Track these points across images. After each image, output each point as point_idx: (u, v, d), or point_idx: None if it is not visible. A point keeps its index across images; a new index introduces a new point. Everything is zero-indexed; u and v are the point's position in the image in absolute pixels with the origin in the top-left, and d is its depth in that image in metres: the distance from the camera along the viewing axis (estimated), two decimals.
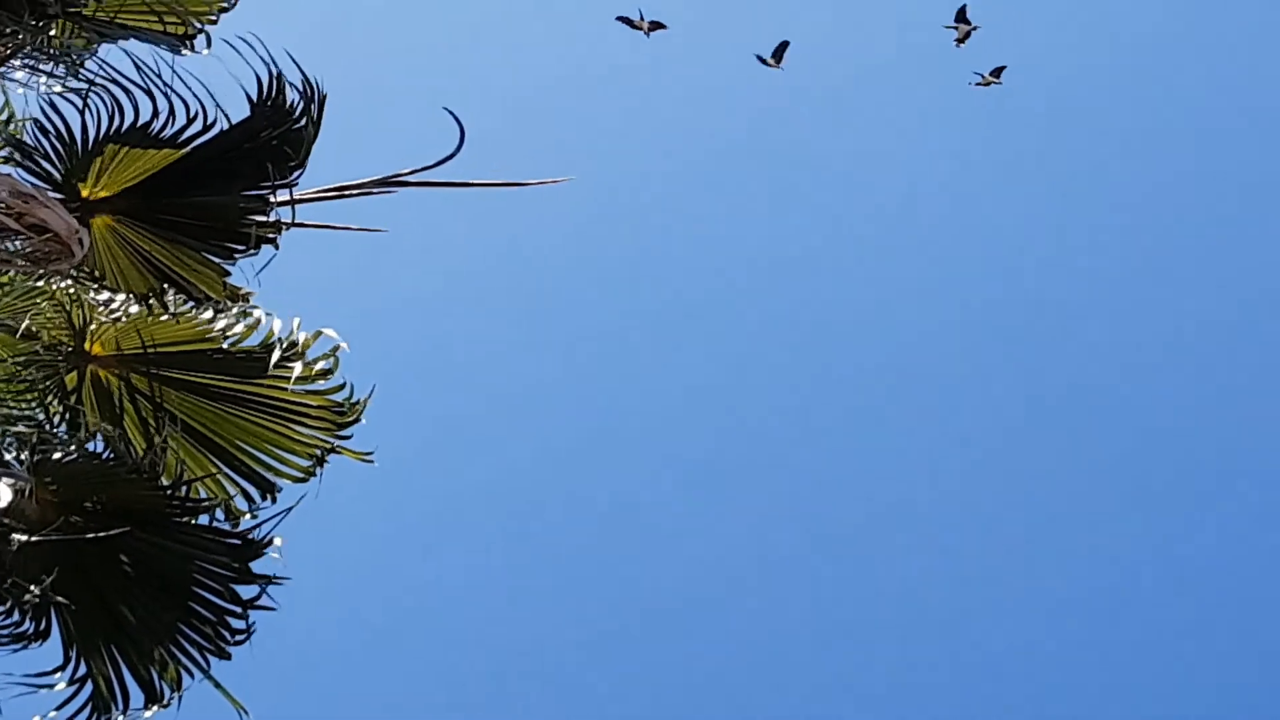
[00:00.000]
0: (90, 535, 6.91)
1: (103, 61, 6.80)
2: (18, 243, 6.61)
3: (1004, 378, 15.89)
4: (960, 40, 7.27)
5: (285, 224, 6.80)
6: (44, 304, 7.19)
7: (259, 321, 7.30)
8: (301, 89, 6.57)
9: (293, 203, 6.74)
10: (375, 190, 6.96)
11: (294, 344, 7.31)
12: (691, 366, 14.61)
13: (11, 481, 6.61)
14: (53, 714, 6.95)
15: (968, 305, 15.89)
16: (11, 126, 7.12)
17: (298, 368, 7.35)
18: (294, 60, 6.58)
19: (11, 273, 6.91)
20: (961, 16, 7.23)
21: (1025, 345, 16.10)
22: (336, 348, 7.35)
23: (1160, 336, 15.95)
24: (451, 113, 6.80)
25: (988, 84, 7.23)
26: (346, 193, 6.97)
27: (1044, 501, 15.52)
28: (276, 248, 6.87)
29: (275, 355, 7.30)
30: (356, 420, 7.45)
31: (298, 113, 6.63)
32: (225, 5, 7.14)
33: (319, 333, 7.32)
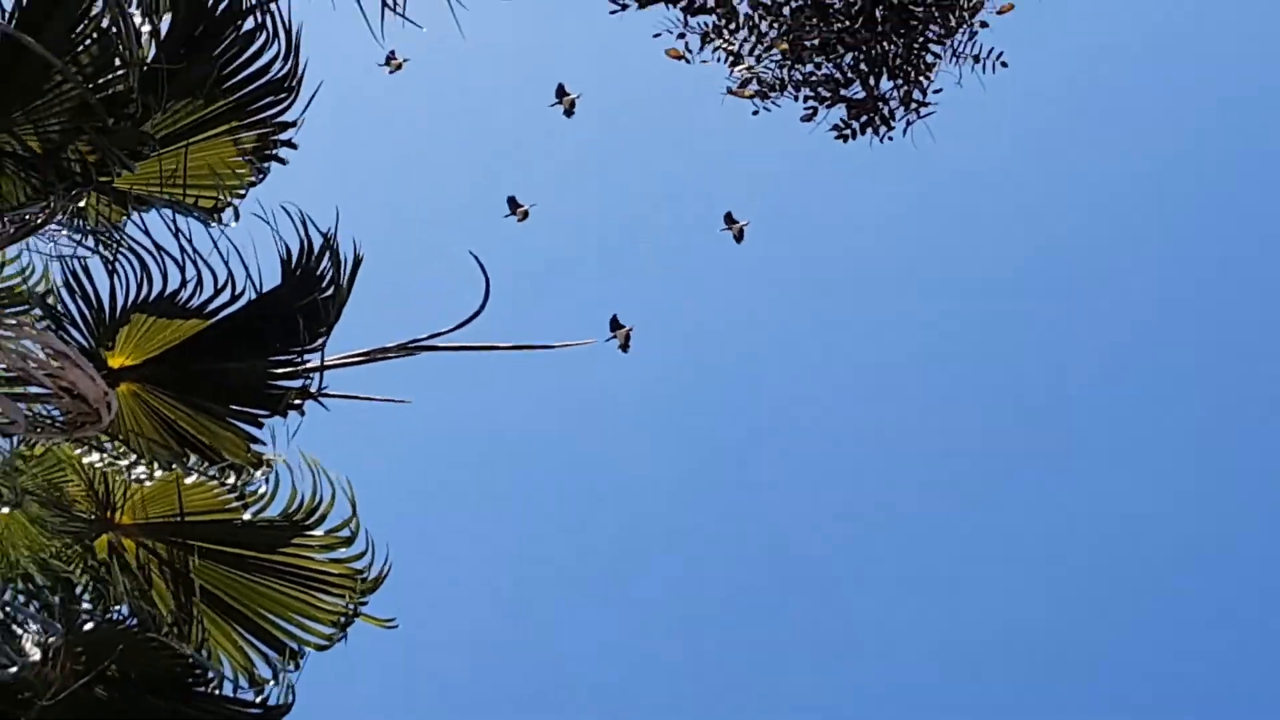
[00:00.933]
0: (111, 700, 6.96)
1: (136, 227, 6.96)
2: (50, 408, 6.70)
3: None
4: (738, 238, 7.35)
5: (311, 393, 6.89)
6: (70, 473, 7.28)
7: (278, 489, 7.38)
8: (330, 256, 6.70)
9: (321, 369, 6.84)
10: (398, 355, 7.06)
11: (314, 510, 7.37)
12: (726, 518, 14.60)
13: (44, 640, 6.67)
14: None
15: None
16: (41, 290, 7.24)
17: (319, 534, 7.42)
18: (319, 230, 6.71)
19: (42, 441, 7.00)
20: (730, 217, 7.29)
21: None
22: (354, 515, 7.41)
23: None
24: (477, 259, 6.92)
25: (735, 230, 7.29)
26: (371, 358, 7.07)
27: None
28: (302, 414, 6.97)
29: (297, 522, 7.37)
30: (377, 587, 7.49)
31: (326, 280, 6.76)
32: (254, 180, 7.29)
33: (335, 498, 7.38)
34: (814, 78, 10.05)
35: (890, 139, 10.20)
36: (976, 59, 10.04)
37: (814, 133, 10.05)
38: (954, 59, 9.97)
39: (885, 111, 10.11)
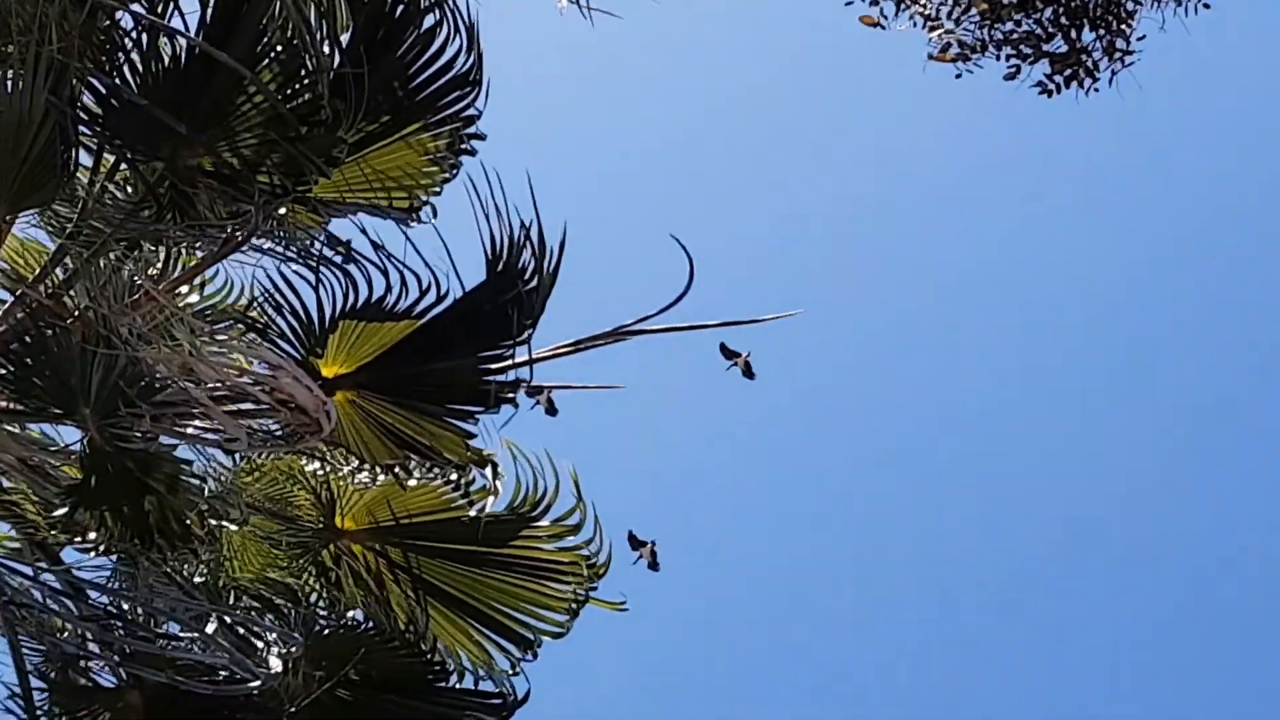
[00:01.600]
0: (354, 702, 7.04)
1: (335, 236, 7.00)
2: (268, 422, 6.76)
3: None
4: (746, 371, 7.12)
5: (523, 383, 6.88)
6: (293, 485, 7.35)
7: (500, 485, 7.39)
8: (533, 246, 6.69)
9: (531, 363, 6.83)
10: (602, 342, 7.04)
11: (540, 501, 7.39)
12: (932, 489, 14.43)
13: (281, 650, 6.75)
14: None
15: None
16: (249, 300, 7.31)
17: (546, 524, 7.43)
18: (522, 218, 6.70)
19: (266, 455, 7.08)
20: (727, 350, 7.08)
21: None
22: (580, 502, 7.41)
23: None
24: (680, 243, 6.87)
25: (741, 364, 7.05)
26: (579, 348, 7.06)
27: None
28: (515, 406, 6.97)
29: (524, 514, 7.39)
30: (605, 572, 7.50)
31: (529, 272, 6.74)
32: (447, 176, 7.28)
33: (559, 487, 7.38)
34: (1014, 35, 9.86)
35: (1096, 90, 9.99)
36: (1178, 1, 9.80)
37: (1018, 90, 9.87)
38: (1155, 4, 9.73)
39: (1089, 64, 9.89)
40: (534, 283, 6.78)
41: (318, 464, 7.28)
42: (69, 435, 6.83)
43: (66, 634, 6.88)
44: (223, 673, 6.72)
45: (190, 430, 6.78)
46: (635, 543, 6.98)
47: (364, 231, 6.84)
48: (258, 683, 6.59)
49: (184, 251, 7.25)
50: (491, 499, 7.41)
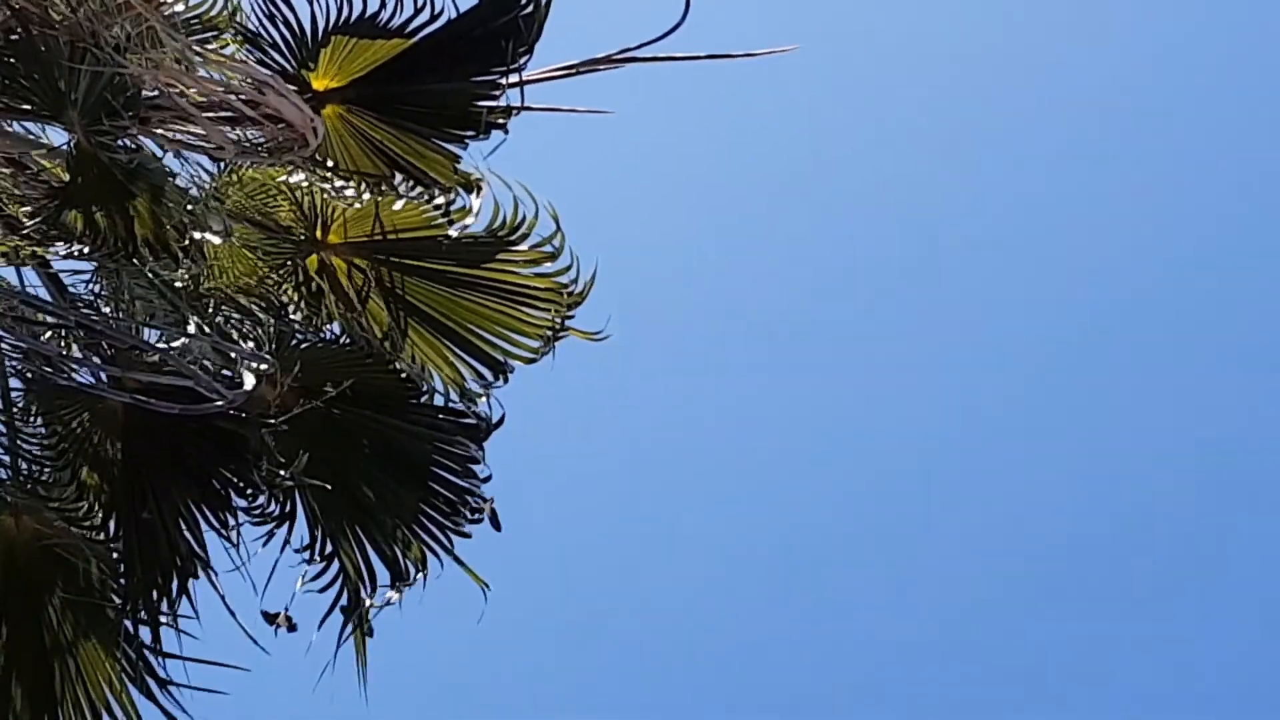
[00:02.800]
0: (331, 416, 7.12)
1: None
2: (255, 133, 6.75)
3: None
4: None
5: (515, 108, 6.88)
6: (278, 195, 7.33)
7: (482, 207, 7.40)
8: None
9: (521, 85, 6.82)
10: (599, 68, 7.02)
11: (518, 227, 7.41)
12: (919, 236, 14.30)
13: (255, 366, 6.78)
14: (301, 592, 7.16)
15: None
16: (238, 7, 7.23)
17: (524, 249, 7.46)
18: None
19: (247, 165, 7.06)
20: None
21: None
22: (558, 230, 7.43)
23: None
24: None
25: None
26: (571, 72, 7.03)
27: None
28: (506, 132, 6.97)
29: (502, 238, 7.42)
30: (581, 301, 7.54)
31: None
32: None
33: (538, 214, 7.39)
34: None
35: None
36: None
37: None
38: None
39: None
40: (530, 8, 6.75)
41: (302, 176, 7.25)
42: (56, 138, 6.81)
43: (48, 334, 6.91)
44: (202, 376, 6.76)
45: (176, 136, 6.78)
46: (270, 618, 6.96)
47: None
48: (223, 404, 6.61)
49: None
50: (471, 219, 7.42)
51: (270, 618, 6.87)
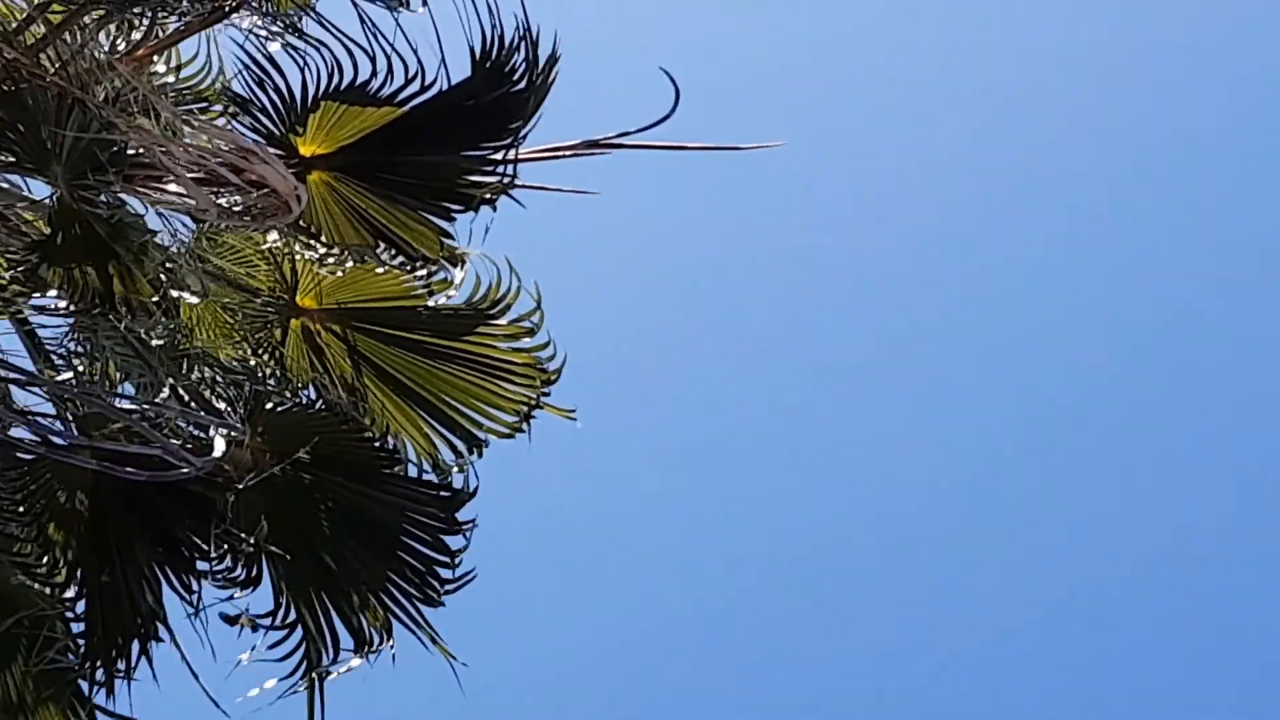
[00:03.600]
0: (302, 482, 7.08)
1: (320, 17, 6.89)
2: (239, 198, 6.72)
3: None
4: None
5: (505, 185, 6.87)
6: (257, 259, 7.31)
7: (464, 280, 7.39)
8: (525, 49, 6.63)
9: (515, 161, 6.81)
10: (591, 152, 7.02)
11: (499, 301, 7.40)
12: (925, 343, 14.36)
13: (225, 431, 6.74)
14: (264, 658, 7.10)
15: None
16: (227, 79, 7.24)
17: (503, 324, 7.45)
18: (516, 20, 6.63)
19: (229, 229, 7.04)
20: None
21: None
22: (538, 307, 7.42)
23: None
24: (668, 74, 6.83)
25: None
26: (558, 154, 7.03)
27: None
28: (494, 209, 6.96)
29: (482, 310, 7.41)
30: (557, 378, 7.53)
31: (519, 74, 6.69)
32: None
33: (519, 289, 7.38)
34: None
35: None
36: None
37: None
38: None
39: None
40: (523, 85, 6.74)
41: (281, 240, 7.23)
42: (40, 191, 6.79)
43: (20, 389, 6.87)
44: (171, 443, 6.72)
45: (159, 196, 6.76)
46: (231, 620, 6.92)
47: (356, 5, 6.76)
48: (190, 472, 6.56)
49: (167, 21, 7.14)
50: (453, 292, 7.41)
51: (231, 619, 6.82)
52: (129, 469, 6.54)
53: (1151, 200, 14.57)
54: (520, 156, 6.89)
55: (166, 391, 6.90)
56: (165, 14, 6.94)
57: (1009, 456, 14.48)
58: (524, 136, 6.85)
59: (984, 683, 14.15)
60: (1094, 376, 14.50)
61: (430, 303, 7.38)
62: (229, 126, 6.76)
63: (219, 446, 6.61)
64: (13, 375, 6.81)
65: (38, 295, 6.79)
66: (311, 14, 6.92)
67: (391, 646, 7.16)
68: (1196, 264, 14.57)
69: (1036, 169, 14.26)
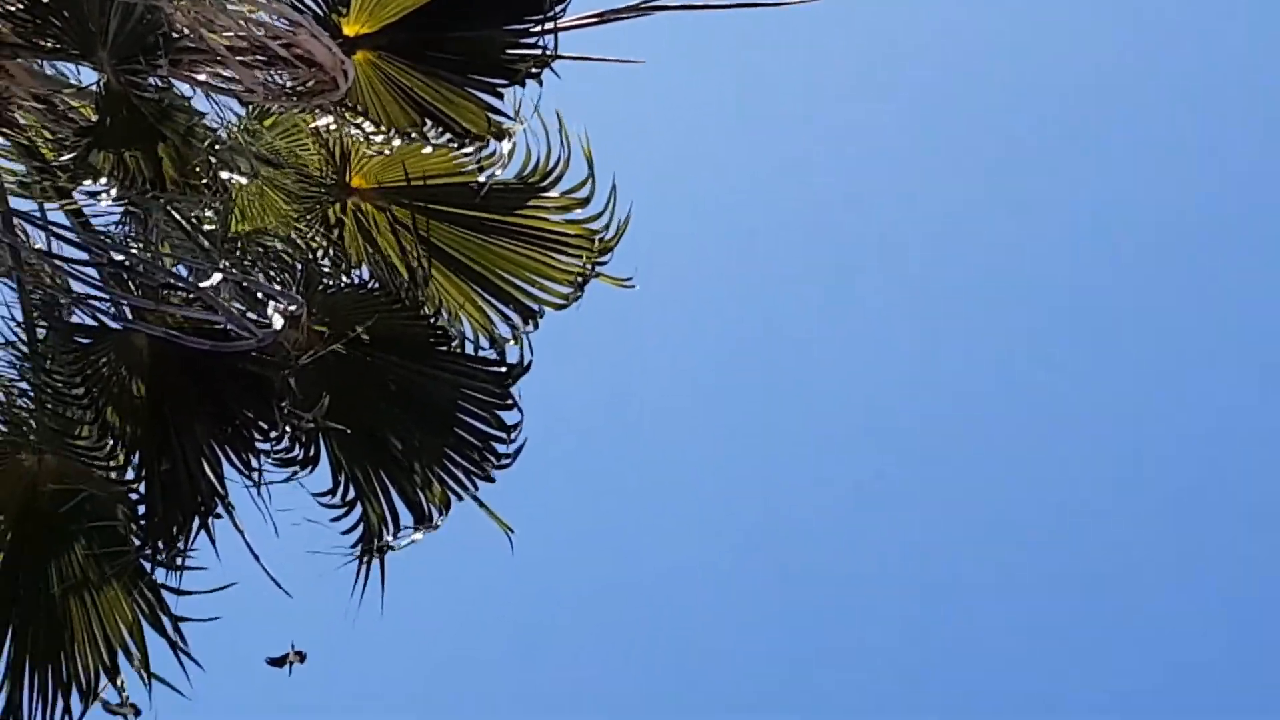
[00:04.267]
0: (358, 361, 7.13)
1: None
2: (284, 76, 6.73)
3: None
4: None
5: (548, 57, 6.85)
6: (308, 139, 7.33)
7: (513, 154, 7.38)
8: None
9: (555, 31, 6.79)
10: (630, 15, 6.97)
11: (550, 173, 7.39)
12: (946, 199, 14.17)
13: (283, 307, 6.78)
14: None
15: None
16: None
17: (555, 196, 7.45)
18: None
19: (277, 109, 7.05)
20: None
21: None
22: (590, 175, 7.41)
23: None
24: None
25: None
26: (604, 19, 6.99)
27: None
28: (540, 83, 6.94)
29: (533, 184, 7.40)
30: (613, 247, 7.53)
31: None
32: None
33: (569, 160, 7.37)
34: None
35: None
36: None
37: None
38: None
39: None
40: None
41: (331, 120, 7.24)
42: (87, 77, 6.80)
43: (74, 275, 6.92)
44: (234, 308, 6.79)
45: (206, 78, 6.76)
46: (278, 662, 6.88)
47: None
48: (253, 341, 6.62)
49: None
50: (501, 169, 7.41)
51: (278, 661, 6.88)
52: (193, 338, 6.61)
53: None
54: (562, 25, 6.87)
55: (219, 277, 6.93)
56: None
57: None
58: (565, 6, 6.82)
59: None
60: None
61: (480, 179, 7.37)
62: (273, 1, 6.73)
63: (277, 321, 6.66)
64: (68, 259, 6.86)
65: (88, 182, 6.82)
66: None
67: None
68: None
69: None
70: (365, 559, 7.19)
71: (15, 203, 6.91)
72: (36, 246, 6.87)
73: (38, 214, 6.87)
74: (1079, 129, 14.04)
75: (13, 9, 6.44)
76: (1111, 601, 13.73)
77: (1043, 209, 13.97)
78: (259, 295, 6.91)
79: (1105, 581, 13.70)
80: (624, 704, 12.93)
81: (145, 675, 6.81)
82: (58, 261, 6.82)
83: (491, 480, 7.31)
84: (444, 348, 7.39)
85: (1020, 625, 13.70)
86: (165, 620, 6.77)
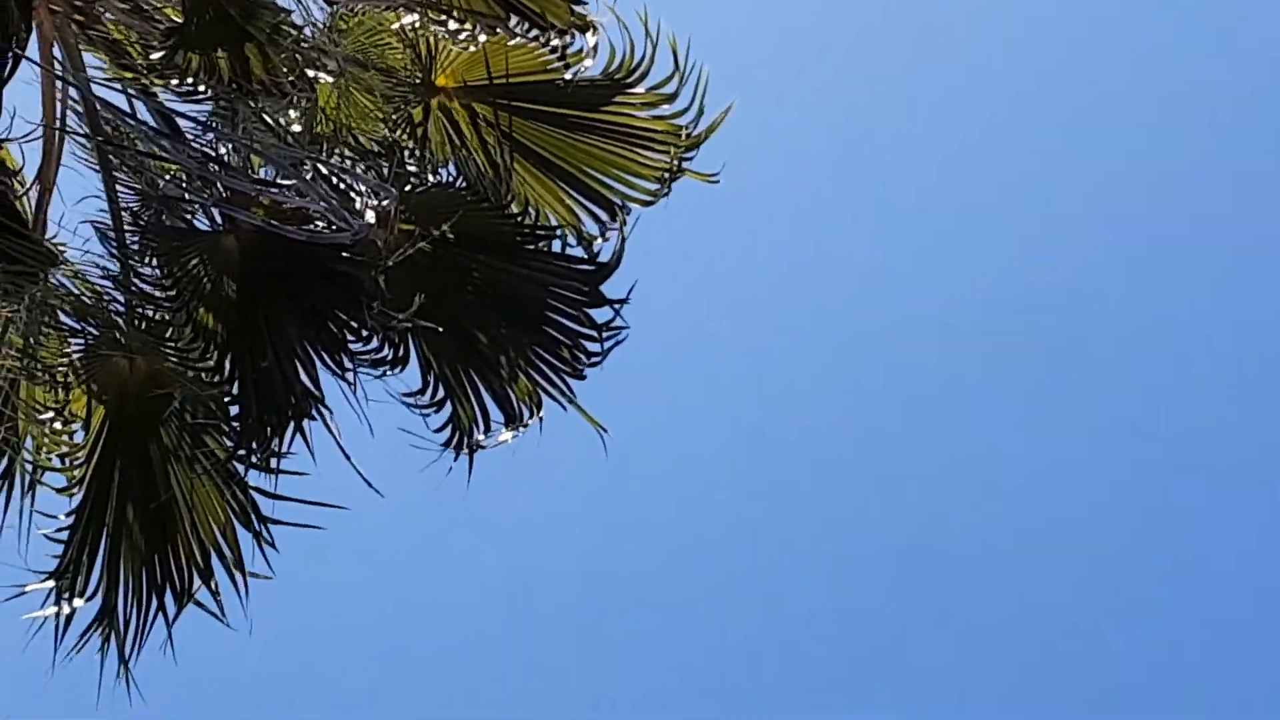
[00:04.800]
0: (446, 260, 7.12)
1: None
2: None
3: None
4: None
5: None
6: (392, 38, 7.29)
7: (598, 47, 7.34)
8: None
9: None
10: None
11: (635, 69, 7.34)
12: None
13: (376, 202, 6.79)
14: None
15: None
16: None
17: (641, 92, 7.40)
18: None
19: (362, 8, 7.02)
20: None
21: None
22: (676, 70, 7.36)
23: None
24: None
25: None
26: None
27: None
28: None
29: (619, 80, 7.36)
30: (700, 143, 7.48)
31: None
32: None
33: (655, 56, 7.32)
34: None
35: None
36: None
37: None
38: None
39: None
40: None
41: (415, 18, 7.20)
42: None
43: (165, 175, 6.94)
44: (318, 223, 6.78)
45: None
46: None
47: None
48: (351, 232, 6.63)
49: None
50: (588, 63, 7.38)
51: None
52: (289, 228, 6.62)
53: None
54: None
55: (310, 169, 6.92)
56: None
57: None
58: None
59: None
60: None
61: (566, 75, 7.33)
62: None
63: (370, 216, 6.66)
64: (158, 157, 6.87)
65: (176, 82, 6.82)
66: None
67: (540, 417, 7.24)
68: None
69: None
70: (455, 458, 7.20)
71: (104, 102, 6.91)
72: (126, 147, 6.88)
73: (128, 115, 6.87)
74: None
75: None
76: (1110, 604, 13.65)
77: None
78: (350, 194, 6.90)
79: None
80: (719, 602, 12.96)
81: (241, 573, 6.85)
82: (148, 162, 6.83)
83: (582, 377, 7.29)
84: (532, 246, 7.37)
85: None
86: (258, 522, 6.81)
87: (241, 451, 6.78)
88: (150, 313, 6.86)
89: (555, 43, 7.18)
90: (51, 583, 6.81)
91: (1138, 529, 13.45)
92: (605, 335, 7.29)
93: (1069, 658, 13.36)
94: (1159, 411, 13.66)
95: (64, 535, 6.86)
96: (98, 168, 6.91)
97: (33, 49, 6.77)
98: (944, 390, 13.60)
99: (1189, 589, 13.46)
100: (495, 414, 7.29)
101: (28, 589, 6.78)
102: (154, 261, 6.91)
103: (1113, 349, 13.69)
